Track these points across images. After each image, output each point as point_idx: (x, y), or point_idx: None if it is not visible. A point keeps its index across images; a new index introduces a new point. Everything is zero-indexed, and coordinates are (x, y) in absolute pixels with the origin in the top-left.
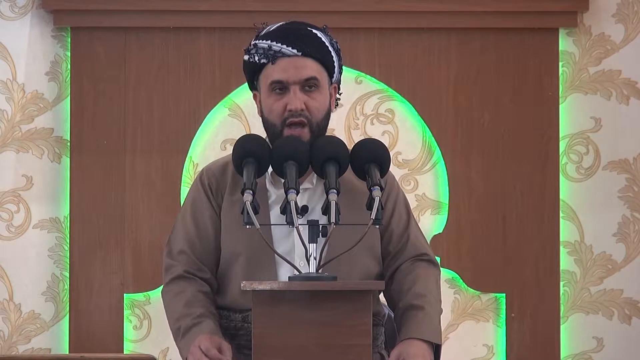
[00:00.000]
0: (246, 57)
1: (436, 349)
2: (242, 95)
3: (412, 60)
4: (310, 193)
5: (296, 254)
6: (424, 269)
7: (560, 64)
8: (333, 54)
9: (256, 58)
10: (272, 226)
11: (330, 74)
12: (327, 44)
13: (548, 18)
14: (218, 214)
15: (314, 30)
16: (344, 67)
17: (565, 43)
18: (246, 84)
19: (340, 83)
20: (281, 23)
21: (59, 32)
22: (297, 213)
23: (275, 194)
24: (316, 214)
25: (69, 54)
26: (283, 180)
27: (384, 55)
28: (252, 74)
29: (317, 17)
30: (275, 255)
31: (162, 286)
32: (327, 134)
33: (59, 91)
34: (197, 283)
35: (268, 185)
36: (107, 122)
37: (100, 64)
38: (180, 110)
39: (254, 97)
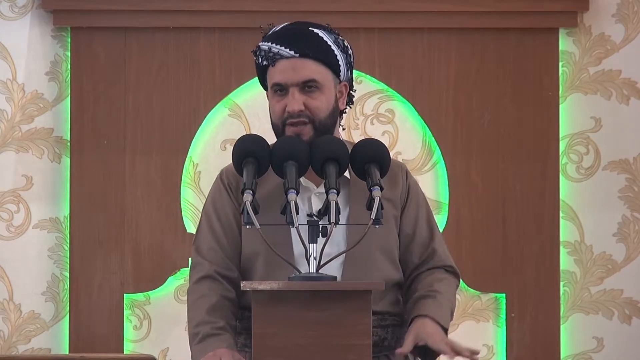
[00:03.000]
0: (255, 59)
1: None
2: (242, 95)
3: (412, 60)
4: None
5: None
6: (444, 274)
7: (560, 64)
8: (337, 52)
9: (260, 60)
10: (291, 227)
11: (336, 73)
12: (329, 42)
13: (548, 18)
14: (240, 212)
15: (315, 30)
16: None
17: (565, 43)
18: (246, 83)
19: (351, 80)
20: (285, 24)
21: (58, 32)
22: (297, 213)
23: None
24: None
25: (69, 54)
26: (284, 181)
27: (384, 55)
28: (261, 76)
29: (317, 17)
30: (294, 254)
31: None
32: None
33: (59, 91)
34: (223, 287)
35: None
36: (107, 122)
37: (100, 64)
38: (180, 110)
39: (267, 96)
